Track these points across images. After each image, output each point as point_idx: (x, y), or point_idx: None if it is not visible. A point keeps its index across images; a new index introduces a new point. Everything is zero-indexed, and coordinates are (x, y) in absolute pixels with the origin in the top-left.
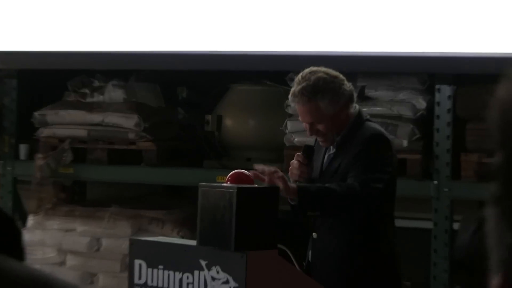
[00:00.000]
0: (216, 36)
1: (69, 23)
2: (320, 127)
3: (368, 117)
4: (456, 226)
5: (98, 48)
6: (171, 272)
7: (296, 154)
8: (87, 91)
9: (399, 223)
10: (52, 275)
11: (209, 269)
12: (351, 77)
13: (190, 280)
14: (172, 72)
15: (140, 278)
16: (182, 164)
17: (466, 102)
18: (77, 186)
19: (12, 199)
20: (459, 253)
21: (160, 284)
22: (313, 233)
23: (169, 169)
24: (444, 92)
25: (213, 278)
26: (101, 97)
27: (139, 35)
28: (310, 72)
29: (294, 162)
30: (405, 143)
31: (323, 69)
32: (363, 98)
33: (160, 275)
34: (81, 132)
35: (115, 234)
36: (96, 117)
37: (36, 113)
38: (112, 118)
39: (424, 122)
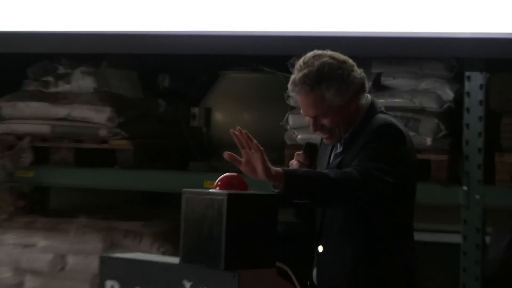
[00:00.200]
0: (204, 14)
1: None
2: (325, 121)
3: (382, 109)
4: (488, 239)
5: (64, 28)
6: None
7: (296, 153)
8: (50, 79)
9: (421, 236)
10: None
11: None
12: (364, 63)
13: None
14: (152, 56)
15: None
16: (163, 167)
17: (501, 92)
18: (38, 193)
19: None
20: (491, 269)
21: None
22: (319, 247)
23: (148, 172)
24: (475, 80)
25: None
26: (67, 86)
27: (112, 13)
28: (314, 57)
29: (293, 162)
30: (428, 141)
31: (329, 52)
32: (379, 88)
33: None
34: (43, 128)
35: (83, 250)
36: (61, 110)
37: None
38: (81, 112)
39: (452, 116)
